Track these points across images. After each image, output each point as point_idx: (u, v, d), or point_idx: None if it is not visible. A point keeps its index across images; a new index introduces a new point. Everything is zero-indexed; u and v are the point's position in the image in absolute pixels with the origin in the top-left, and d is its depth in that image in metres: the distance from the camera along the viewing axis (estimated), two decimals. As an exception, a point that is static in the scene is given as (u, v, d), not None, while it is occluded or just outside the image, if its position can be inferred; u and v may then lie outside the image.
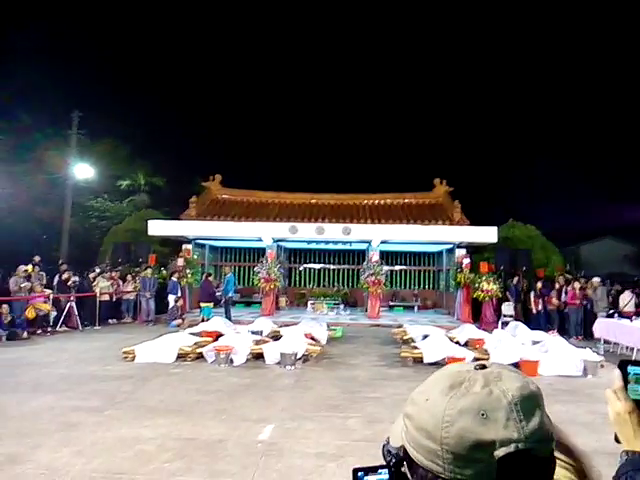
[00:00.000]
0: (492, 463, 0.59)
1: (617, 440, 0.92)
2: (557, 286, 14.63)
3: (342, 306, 18.53)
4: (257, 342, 9.87)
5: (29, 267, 13.11)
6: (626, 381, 0.92)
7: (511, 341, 10.28)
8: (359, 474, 0.75)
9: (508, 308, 14.99)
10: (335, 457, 4.66)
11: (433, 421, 0.63)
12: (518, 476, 0.60)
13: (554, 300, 14.28)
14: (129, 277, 16.03)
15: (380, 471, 0.74)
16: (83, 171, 22.58)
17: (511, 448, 0.59)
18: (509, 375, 0.66)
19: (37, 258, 14.68)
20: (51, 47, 29.85)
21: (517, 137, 44.94)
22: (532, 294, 14.90)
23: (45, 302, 12.80)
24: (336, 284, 21.47)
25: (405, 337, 11.55)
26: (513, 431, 0.59)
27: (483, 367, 0.67)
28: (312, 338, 10.80)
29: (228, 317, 13.91)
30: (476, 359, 9.16)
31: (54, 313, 13.08)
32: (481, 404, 0.61)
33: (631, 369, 0.92)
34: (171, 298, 15.05)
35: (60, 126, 23.02)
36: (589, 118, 41.85)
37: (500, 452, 0.59)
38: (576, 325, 13.66)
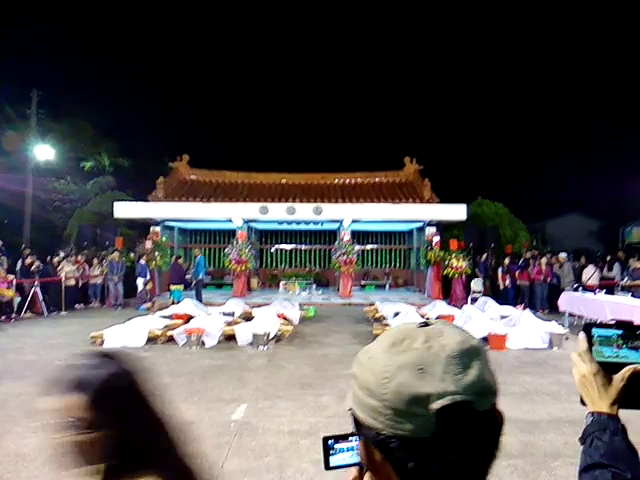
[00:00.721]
0: (431, 417, 0.58)
1: (582, 402, 0.93)
2: (530, 262, 14.96)
3: (314, 286, 18.59)
4: (229, 323, 9.82)
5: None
6: (591, 343, 0.93)
7: (480, 316, 10.51)
8: (329, 442, 0.75)
9: (477, 284, 15.28)
10: (308, 434, 4.69)
11: (373, 378, 0.62)
12: (458, 429, 0.58)
13: (532, 275, 14.57)
14: (95, 261, 15.68)
15: (350, 438, 0.75)
16: (44, 152, 21.79)
17: (447, 400, 0.58)
18: (450, 331, 0.65)
19: (-1, 243, 14.23)
20: (8, 23, 28.53)
21: (484, 115, 45.41)
22: (500, 270, 15.22)
23: (8, 288, 12.42)
24: (308, 264, 21.51)
25: (377, 315, 11.68)
26: (450, 384, 0.59)
27: (426, 324, 0.67)
28: (285, 318, 10.81)
29: (199, 299, 13.79)
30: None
31: (18, 299, 12.74)
32: (419, 359, 0.61)
33: (595, 331, 0.94)
34: (140, 281, 14.81)
35: (19, 106, 22.11)
36: (558, 97, 42.55)
37: (436, 405, 0.58)
38: (542, 299, 14.06)
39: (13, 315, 12.30)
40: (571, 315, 11.66)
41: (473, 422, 0.59)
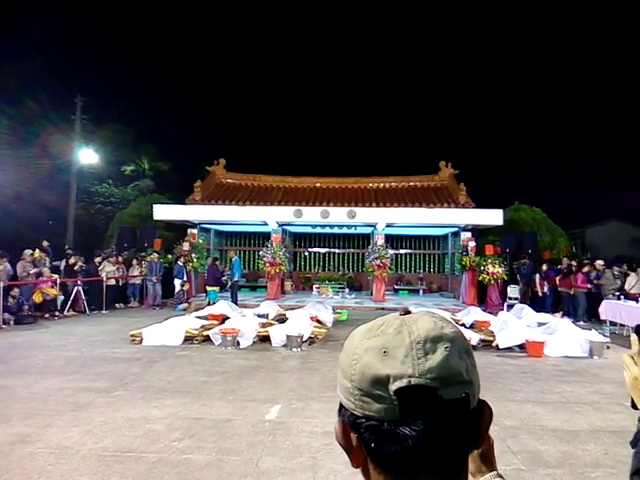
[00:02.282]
0: (393, 399, 0.59)
1: (634, 406, 0.91)
2: (573, 269, 14.43)
3: (347, 290, 18.58)
4: (263, 325, 9.92)
5: (36, 252, 13.18)
6: None
7: (517, 323, 10.29)
8: None
9: (513, 291, 14.96)
10: (342, 436, 4.68)
11: (347, 360, 0.65)
12: (422, 415, 0.58)
13: (575, 282, 14.05)
14: (134, 262, 16.09)
15: None
16: (87, 156, 22.55)
17: (403, 382, 0.58)
18: (425, 319, 0.65)
19: (45, 243, 14.76)
20: (54, 32, 29.65)
21: (523, 120, 44.49)
22: (537, 276, 14.85)
23: (52, 287, 12.90)
24: (341, 268, 21.51)
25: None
26: (408, 367, 0.59)
27: (407, 313, 0.68)
28: (318, 321, 10.85)
29: (234, 301, 13.96)
30: (482, 341, 9.19)
31: (61, 297, 13.19)
32: (386, 342, 0.62)
33: None
34: (177, 282, 15.10)
35: (64, 111, 22.97)
36: (596, 101, 41.35)
37: (393, 386, 0.59)
38: (583, 308, 13.62)
39: (56, 313, 12.75)
40: (612, 324, 11.30)
41: (438, 409, 0.58)
